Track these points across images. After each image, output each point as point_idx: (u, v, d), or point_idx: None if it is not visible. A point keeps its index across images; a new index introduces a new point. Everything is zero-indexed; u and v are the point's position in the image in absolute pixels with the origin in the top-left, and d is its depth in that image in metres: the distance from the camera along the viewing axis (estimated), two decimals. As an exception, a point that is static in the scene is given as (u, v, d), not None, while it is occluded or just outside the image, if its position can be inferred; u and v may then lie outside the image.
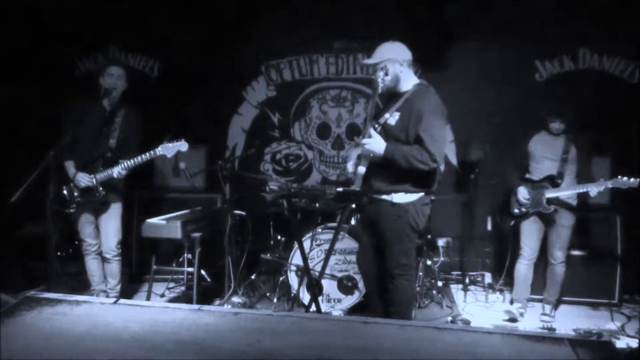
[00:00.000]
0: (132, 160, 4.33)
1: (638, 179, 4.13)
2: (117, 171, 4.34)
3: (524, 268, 4.74)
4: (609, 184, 4.23)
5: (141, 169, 4.56)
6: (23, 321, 2.22)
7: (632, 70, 5.85)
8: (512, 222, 4.81)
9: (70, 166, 4.47)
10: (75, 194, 4.44)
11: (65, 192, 4.45)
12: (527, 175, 4.75)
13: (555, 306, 4.87)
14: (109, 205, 4.55)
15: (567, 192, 4.51)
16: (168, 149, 4.27)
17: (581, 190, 4.42)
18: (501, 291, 5.36)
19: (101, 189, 4.41)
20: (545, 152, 4.65)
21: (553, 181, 4.57)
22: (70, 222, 4.63)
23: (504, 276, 5.32)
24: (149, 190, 5.71)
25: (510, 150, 4.98)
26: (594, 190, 4.31)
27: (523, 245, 4.75)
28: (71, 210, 4.46)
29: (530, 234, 4.71)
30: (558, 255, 4.66)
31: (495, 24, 5.84)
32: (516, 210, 4.72)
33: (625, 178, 4.16)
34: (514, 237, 4.96)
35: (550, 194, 4.54)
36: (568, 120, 4.56)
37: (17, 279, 4.93)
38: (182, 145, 4.29)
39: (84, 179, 4.38)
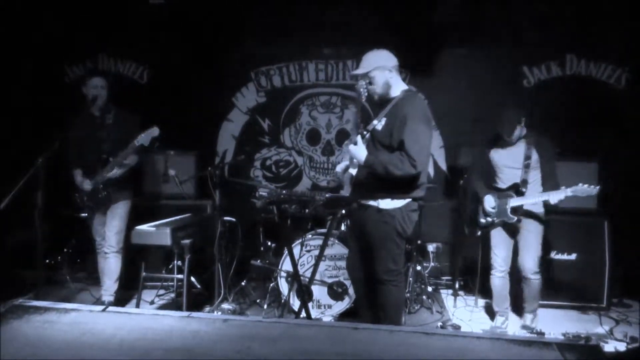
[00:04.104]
0: (118, 157, 4.54)
1: (598, 187, 3.98)
2: (108, 170, 4.56)
3: (498, 280, 4.58)
4: (569, 192, 4.04)
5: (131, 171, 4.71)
6: (11, 330, 2.20)
7: (619, 75, 5.90)
8: (479, 232, 4.66)
9: (77, 174, 4.72)
10: (85, 199, 4.71)
11: (76, 199, 4.74)
12: (494, 184, 4.58)
13: (536, 315, 4.65)
14: (115, 204, 4.76)
15: (529, 201, 4.31)
16: (144, 139, 4.48)
17: (543, 199, 4.23)
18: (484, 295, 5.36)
19: (102, 188, 4.64)
20: (506, 161, 4.46)
21: (517, 189, 4.37)
22: (69, 227, 5.00)
23: (478, 287, 5.30)
24: (138, 197, 5.68)
25: (473, 158, 4.85)
26: (554, 198, 4.13)
27: (494, 256, 4.59)
28: (84, 215, 4.82)
29: (500, 245, 4.54)
30: (530, 266, 4.41)
31: (483, 30, 5.89)
32: (482, 220, 4.55)
33: (585, 185, 3.99)
34: (483, 247, 4.92)
35: (513, 202, 4.34)
36: (514, 131, 4.32)
37: (5, 287, 4.89)
38: (154, 131, 4.51)
39: (86, 184, 4.65)
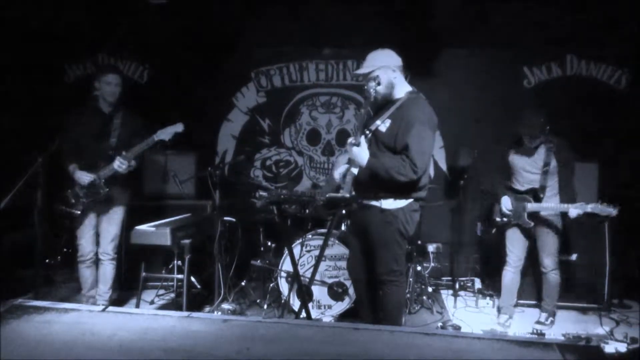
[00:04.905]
0: (131, 151, 4.38)
1: (617, 208, 4.12)
2: (117, 163, 4.36)
3: (510, 275, 4.69)
4: (589, 208, 4.16)
5: (130, 175, 4.58)
6: (10, 329, 2.20)
7: (619, 76, 5.91)
8: (494, 230, 4.78)
9: (73, 169, 4.47)
10: (80, 194, 4.45)
11: (70, 195, 4.46)
12: (513, 185, 4.68)
13: (553, 314, 4.76)
14: (112, 206, 4.58)
15: (547, 209, 4.43)
16: (165, 133, 4.34)
17: (562, 210, 4.34)
18: (491, 296, 5.37)
19: (104, 184, 4.43)
20: (526, 166, 4.56)
21: (536, 195, 4.48)
22: (69, 227, 4.63)
23: (492, 283, 5.36)
24: (138, 197, 5.67)
25: (495, 158, 4.92)
26: (573, 212, 4.23)
27: (508, 252, 4.70)
28: (77, 212, 4.45)
29: (515, 241, 4.65)
30: (547, 263, 4.58)
31: (483, 31, 5.88)
32: (498, 219, 4.68)
33: (604, 205, 4.12)
34: (499, 244, 4.93)
35: (531, 208, 4.45)
36: (540, 137, 4.44)
37: (5, 287, 4.89)
38: (178, 127, 4.36)
39: (86, 177, 4.40)
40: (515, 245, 4.66)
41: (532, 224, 4.49)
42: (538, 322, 4.70)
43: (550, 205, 4.43)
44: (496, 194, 4.71)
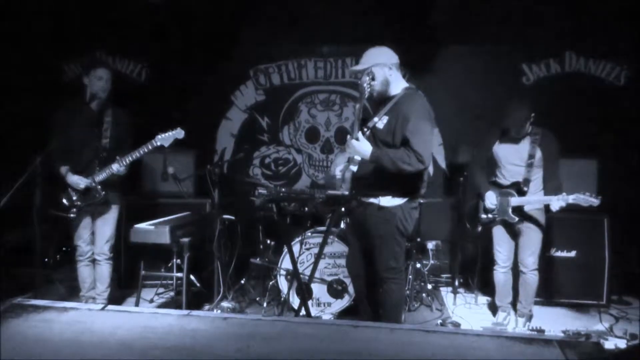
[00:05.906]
0: (130, 156, 4.32)
1: (599, 198, 4.01)
2: (116, 167, 4.32)
3: (502, 276, 4.59)
4: (570, 199, 4.05)
5: (129, 174, 4.56)
6: (9, 328, 2.20)
7: (618, 73, 5.90)
8: (480, 229, 4.65)
9: (65, 171, 4.38)
10: (74, 198, 4.38)
11: (63, 198, 4.38)
12: (496, 179, 4.56)
13: (530, 318, 4.60)
14: (107, 207, 4.53)
15: (530, 202, 4.32)
16: (165, 139, 4.29)
17: (544, 203, 4.25)
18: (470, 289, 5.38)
19: (100, 188, 4.37)
20: (510, 158, 4.42)
21: (519, 188, 4.35)
22: (66, 227, 4.58)
23: (477, 282, 5.40)
24: (137, 195, 5.67)
25: (476, 152, 4.86)
26: (555, 204, 4.12)
27: (496, 252, 4.59)
28: (72, 216, 4.39)
29: (502, 240, 4.54)
30: (529, 261, 4.42)
31: (482, 28, 5.87)
32: (483, 216, 4.54)
33: (587, 195, 4.01)
34: (483, 243, 4.91)
35: (515, 202, 4.34)
36: (524, 128, 4.31)
37: (4, 286, 4.88)
38: (179, 133, 4.31)
39: (82, 181, 4.33)
40: (503, 244, 4.55)
41: (517, 219, 4.36)
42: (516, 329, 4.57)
43: (532, 198, 4.32)
44: (479, 190, 4.59)
